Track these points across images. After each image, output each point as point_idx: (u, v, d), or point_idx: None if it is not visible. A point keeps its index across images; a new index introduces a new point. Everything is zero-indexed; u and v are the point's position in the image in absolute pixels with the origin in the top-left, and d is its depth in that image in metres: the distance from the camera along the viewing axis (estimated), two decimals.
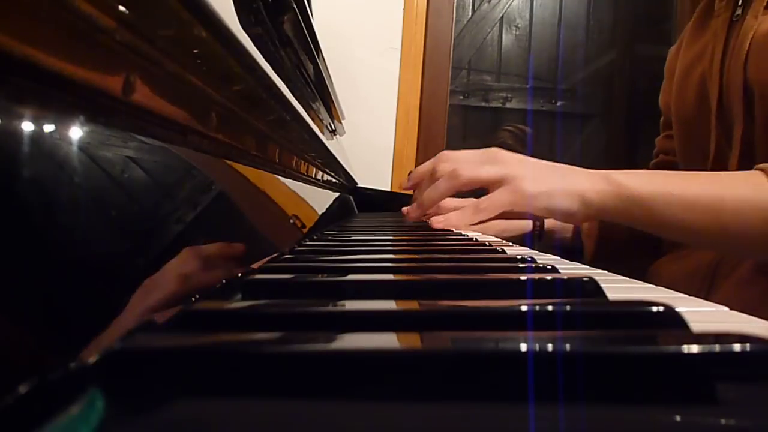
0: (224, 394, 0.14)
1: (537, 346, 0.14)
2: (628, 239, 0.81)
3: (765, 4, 0.64)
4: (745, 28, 0.65)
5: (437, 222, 0.56)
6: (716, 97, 0.68)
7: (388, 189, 1.81)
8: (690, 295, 0.26)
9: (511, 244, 0.58)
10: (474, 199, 0.61)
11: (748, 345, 0.14)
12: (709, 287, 0.69)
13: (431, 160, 0.65)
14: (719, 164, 0.69)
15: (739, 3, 0.68)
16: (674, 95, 0.78)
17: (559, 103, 2.39)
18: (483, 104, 2.37)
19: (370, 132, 1.79)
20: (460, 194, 0.63)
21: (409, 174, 0.77)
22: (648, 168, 0.91)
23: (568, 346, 0.14)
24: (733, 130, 0.66)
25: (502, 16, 2.34)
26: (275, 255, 0.36)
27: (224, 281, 0.26)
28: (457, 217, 0.57)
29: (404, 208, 0.89)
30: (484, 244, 0.51)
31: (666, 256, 0.81)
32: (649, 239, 0.83)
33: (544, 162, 0.59)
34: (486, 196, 0.56)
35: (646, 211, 0.55)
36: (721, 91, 0.68)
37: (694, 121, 0.74)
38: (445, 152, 0.64)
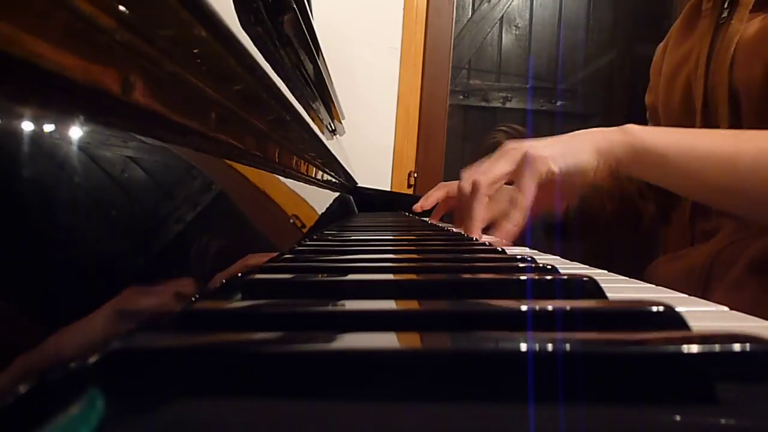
0: (224, 394, 0.14)
1: (537, 346, 0.14)
2: (609, 216, 0.81)
3: (750, 8, 0.64)
4: (730, 32, 0.65)
5: (501, 241, 0.55)
6: (701, 100, 0.68)
7: (388, 189, 1.81)
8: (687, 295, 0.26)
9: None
10: (508, 188, 0.60)
11: (748, 345, 0.14)
12: (705, 288, 0.69)
13: (455, 183, 0.64)
14: None
15: (725, 5, 0.68)
16: (661, 98, 0.79)
17: (559, 103, 2.39)
18: (483, 104, 2.36)
19: (370, 132, 1.79)
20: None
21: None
22: None
23: (568, 346, 0.14)
24: None
25: (502, 16, 2.34)
26: (275, 255, 0.36)
27: (224, 281, 0.26)
28: (509, 224, 0.55)
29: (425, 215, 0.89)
30: (484, 244, 0.51)
31: (663, 256, 0.81)
32: (630, 216, 0.84)
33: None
34: (513, 186, 0.55)
35: (659, 163, 0.53)
36: (706, 94, 0.68)
37: (680, 125, 0.73)
38: (465, 169, 0.62)
